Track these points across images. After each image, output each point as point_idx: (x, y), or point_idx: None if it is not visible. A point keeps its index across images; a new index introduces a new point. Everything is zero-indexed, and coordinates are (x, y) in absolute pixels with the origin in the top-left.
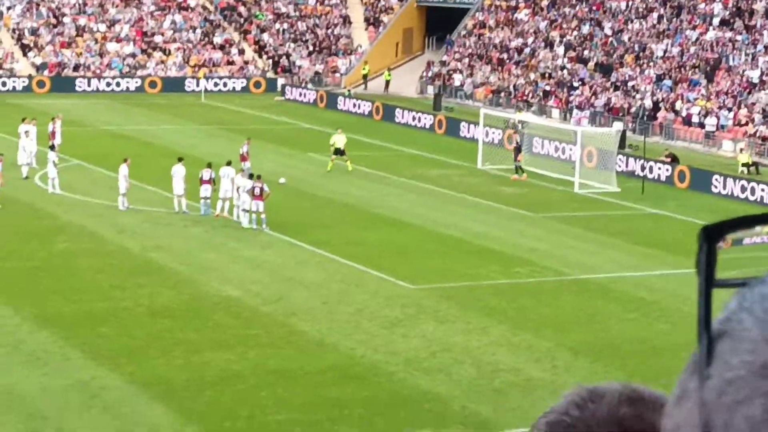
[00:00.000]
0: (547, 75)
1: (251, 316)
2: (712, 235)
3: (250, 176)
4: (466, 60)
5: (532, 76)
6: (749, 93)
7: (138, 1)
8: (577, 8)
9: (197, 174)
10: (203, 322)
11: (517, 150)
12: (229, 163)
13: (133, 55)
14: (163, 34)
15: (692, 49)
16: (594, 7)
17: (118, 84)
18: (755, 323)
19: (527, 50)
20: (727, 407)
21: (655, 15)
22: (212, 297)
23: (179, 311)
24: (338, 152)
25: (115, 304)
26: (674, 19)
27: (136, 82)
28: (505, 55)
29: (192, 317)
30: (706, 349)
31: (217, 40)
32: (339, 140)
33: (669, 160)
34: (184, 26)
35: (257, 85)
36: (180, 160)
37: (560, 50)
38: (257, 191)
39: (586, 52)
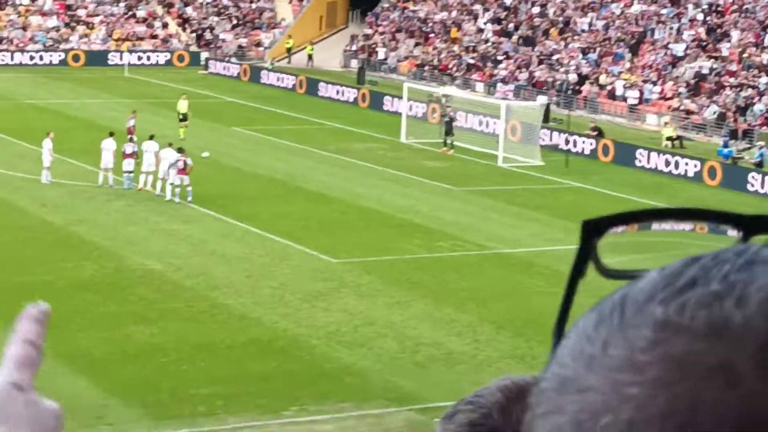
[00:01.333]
0: (471, 48)
1: (174, 289)
2: (590, 231)
3: (179, 150)
4: (390, 34)
5: (457, 49)
6: (674, 67)
7: None
8: None
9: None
10: (125, 295)
11: (448, 123)
12: (152, 137)
13: (57, 29)
14: (86, 8)
15: (617, 23)
16: None
17: (41, 58)
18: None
19: (451, 23)
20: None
21: None
22: (135, 271)
23: (102, 285)
24: (183, 118)
25: (37, 278)
26: None
27: (60, 56)
28: (429, 29)
29: (114, 291)
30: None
31: (141, 13)
32: (182, 106)
33: (595, 133)
34: (107, 0)
35: (181, 58)
36: (111, 134)
37: (485, 24)
38: (181, 164)
39: (510, 26)
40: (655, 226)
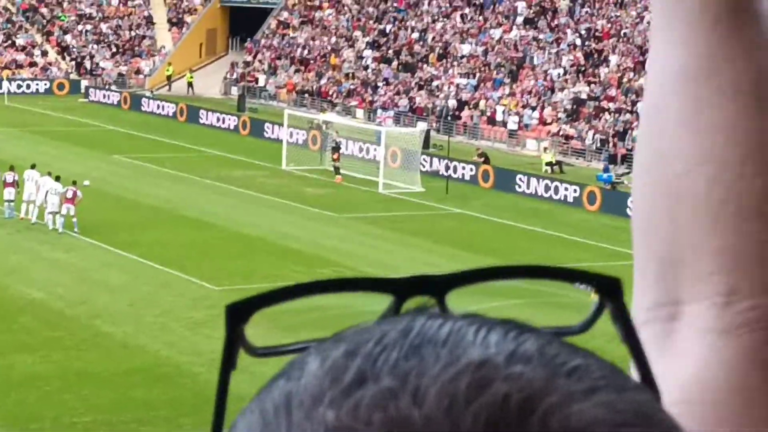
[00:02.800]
0: (351, 75)
1: (55, 318)
2: (236, 315)
3: (57, 178)
4: (270, 61)
5: (336, 75)
6: (553, 92)
7: None
8: (380, 6)
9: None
10: (7, 324)
11: (335, 150)
12: (33, 166)
13: None
14: None
15: (496, 48)
16: (396, 4)
17: None
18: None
19: (330, 50)
20: None
21: (458, 14)
22: (17, 300)
23: None
24: None
25: None
26: (478, 18)
27: None
28: (308, 55)
29: None
30: None
31: (20, 41)
32: None
33: (481, 160)
34: None
35: (60, 86)
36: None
37: (365, 50)
38: (69, 194)
39: (390, 52)
40: (304, 300)
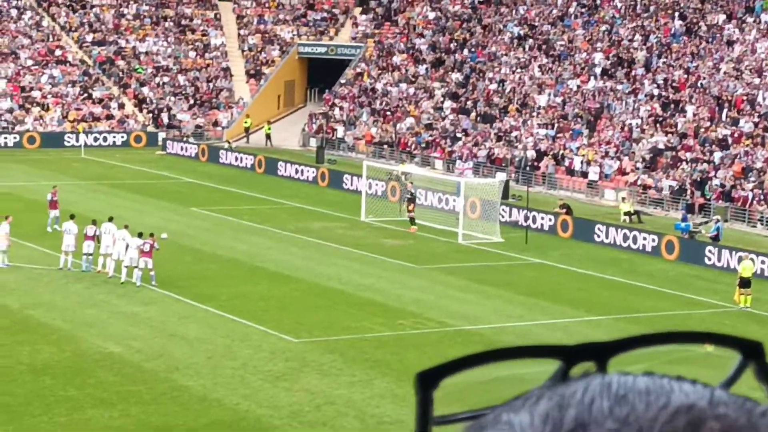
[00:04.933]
0: (429, 126)
1: (133, 372)
2: (426, 381)
3: (139, 235)
4: (348, 112)
5: (415, 127)
6: (631, 142)
7: (15, 55)
8: (455, 54)
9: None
10: (84, 379)
11: (410, 201)
12: (110, 219)
13: (11, 111)
14: (41, 89)
15: (574, 99)
16: (476, 54)
17: None
18: None
19: (408, 100)
20: None
21: (536, 65)
22: (93, 354)
23: (60, 368)
24: None
25: None
26: (556, 69)
27: (15, 138)
28: (387, 106)
29: (73, 374)
30: None
31: (96, 94)
32: None
33: (563, 211)
34: (62, 80)
35: (138, 139)
36: (72, 217)
37: (443, 101)
38: (147, 248)
39: (468, 103)
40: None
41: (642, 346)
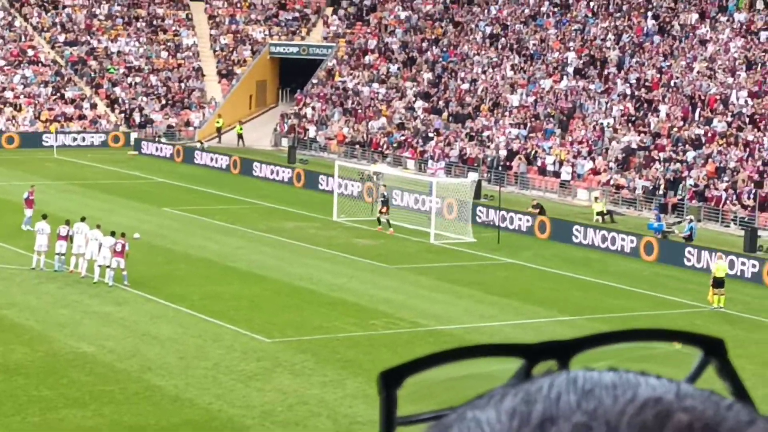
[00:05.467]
0: (401, 125)
1: (106, 372)
2: (390, 380)
3: (112, 234)
4: (320, 112)
5: (387, 127)
6: (603, 142)
7: None
8: (427, 53)
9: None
10: (57, 379)
11: (384, 203)
12: (83, 219)
13: None
14: (13, 89)
15: (546, 99)
16: (448, 54)
17: None
18: None
19: (380, 99)
20: None
21: (508, 64)
22: (66, 354)
23: (33, 368)
24: None
25: None
26: (528, 69)
27: None
28: (358, 106)
29: (46, 374)
30: None
31: (69, 94)
32: None
33: (537, 211)
34: (34, 81)
35: (116, 139)
36: (44, 217)
37: (414, 101)
38: (119, 247)
39: (440, 102)
40: (448, 367)
41: (604, 344)
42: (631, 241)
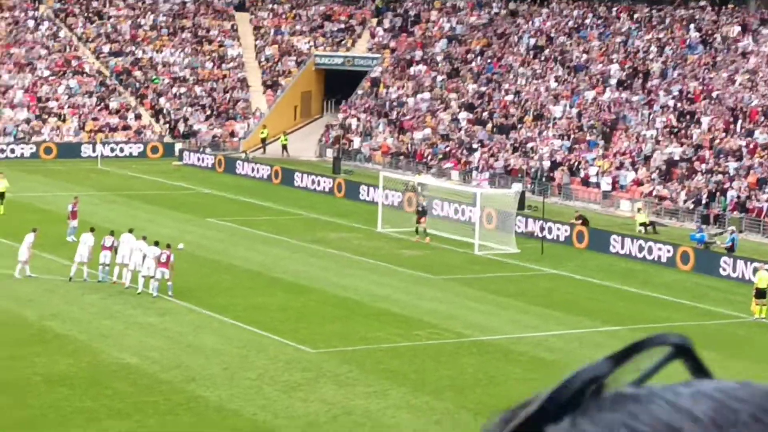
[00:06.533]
0: (446, 136)
1: (149, 383)
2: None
3: (156, 243)
4: (364, 123)
5: (432, 138)
6: (646, 153)
7: (32, 66)
8: (472, 64)
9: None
10: (101, 390)
11: (421, 213)
12: (130, 231)
13: (28, 121)
14: (57, 100)
15: (590, 110)
16: (492, 65)
17: (12, 150)
18: None
19: (425, 111)
20: None
21: (552, 76)
22: (110, 365)
23: (77, 379)
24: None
25: (11, 374)
26: (572, 80)
27: (31, 148)
28: (403, 117)
29: (89, 385)
30: None
31: (114, 105)
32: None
33: (579, 222)
34: (79, 91)
35: (154, 150)
36: (92, 230)
37: (459, 112)
38: (164, 258)
39: (484, 114)
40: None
41: (625, 361)
42: (668, 251)
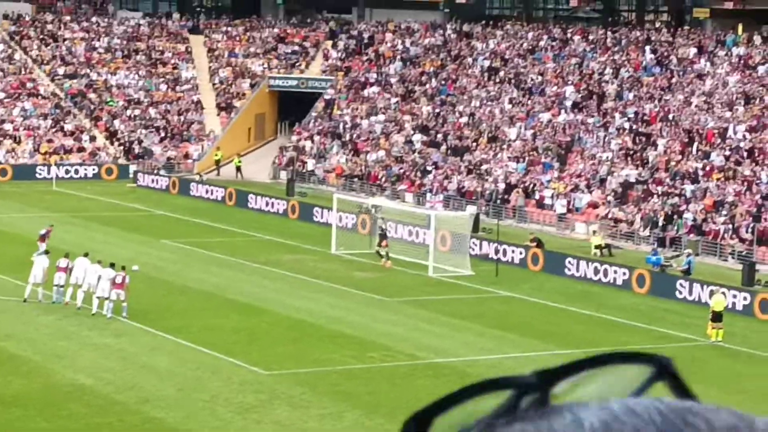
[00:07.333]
0: (399, 159)
1: (104, 404)
2: (421, 423)
3: (111, 265)
4: (318, 145)
5: (385, 160)
6: (601, 175)
7: None
8: (426, 86)
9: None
10: (55, 411)
11: (382, 237)
12: (86, 255)
13: None
14: (12, 122)
15: (545, 132)
16: (445, 86)
17: None
18: None
19: (379, 133)
20: None
21: (506, 98)
22: (64, 386)
23: (30, 400)
24: None
25: None
26: (527, 102)
27: None
28: (357, 139)
29: (44, 406)
30: None
31: (68, 126)
32: None
33: (534, 244)
34: (34, 113)
35: (109, 171)
36: (47, 253)
37: (413, 134)
38: (119, 279)
39: (439, 136)
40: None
41: (578, 371)
42: (624, 274)
